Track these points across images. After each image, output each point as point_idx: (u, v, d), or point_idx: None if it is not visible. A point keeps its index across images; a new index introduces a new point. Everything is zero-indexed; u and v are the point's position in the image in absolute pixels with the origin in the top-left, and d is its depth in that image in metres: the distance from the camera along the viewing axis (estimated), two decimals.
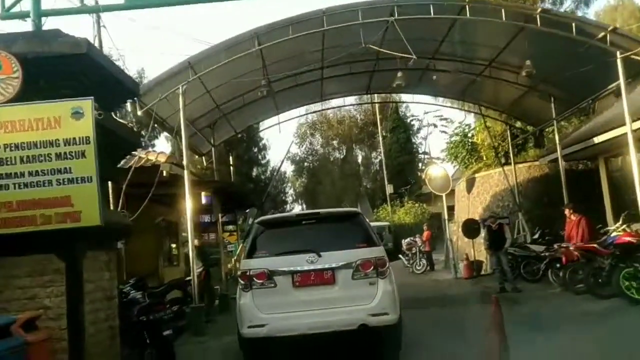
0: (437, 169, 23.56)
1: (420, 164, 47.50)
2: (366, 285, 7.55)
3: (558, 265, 13.97)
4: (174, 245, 19.04)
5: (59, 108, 6.82)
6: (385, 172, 41.01)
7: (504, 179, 21.25)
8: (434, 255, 25.30)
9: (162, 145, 38.14)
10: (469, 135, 24.88)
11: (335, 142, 52.92)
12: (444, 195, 23.44)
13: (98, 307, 7.35)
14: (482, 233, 20.80)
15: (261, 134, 46.54)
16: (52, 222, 6.67)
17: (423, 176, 27.57)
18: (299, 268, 7.61)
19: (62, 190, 6.72)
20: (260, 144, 47.84)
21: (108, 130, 7.42)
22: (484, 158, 23.03)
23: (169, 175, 12.98)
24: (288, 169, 54.36)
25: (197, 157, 20.15)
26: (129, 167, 12.42)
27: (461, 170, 26.66)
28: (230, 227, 21.11)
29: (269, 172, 49.28)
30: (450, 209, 44.16)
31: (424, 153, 48.36)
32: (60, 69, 6.90)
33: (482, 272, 20.80)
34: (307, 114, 19.90)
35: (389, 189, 39.36)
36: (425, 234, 24.90)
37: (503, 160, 20.93)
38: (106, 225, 6.93)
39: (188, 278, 12.39)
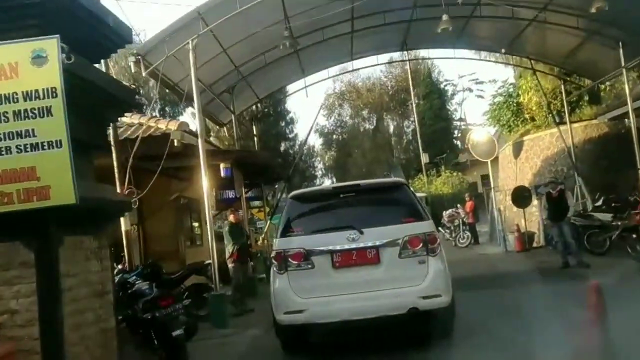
0: (481, 133, 21.58)
1: (455, 132, 45.20)
2: (415, 265, 6.95)
3: (635, 235, 12.03)
4: (196, 224, 17.56)
5: (14, 52, 5.17)
6: (419, 140, 38.80)
7: (556, 141, 19.18)
8: (477, 227, 23.40)
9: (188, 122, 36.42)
10: (514, 95, 22.66)
11: (365, 112, 50.83)
12: (489, 161, 21.50)
13: (83, 307, 5.80)
14: (534, 201, 18.97)
15: (288, 107, 45.07)
16: (14, 202, 5.08)
17: (465, 142, 25.40)
18: (338, 247, 7.01)
19: (23, 159, 5.11)
20: (288, 118, 46.13)
21: (88, 82, 5.76)
22: (533, 119, 20.85)
23: (182, 146, 11.37)
24: (316, 142, 52.68)
25: (218, 128, 18.53)
26: (135, 137, 10.86)
27: (505, 134, 24.50)
28: (257, 202, 19.52)
29: (297, 146, 47.67)
30: (485, 177, 42.70)
31: (460, 120, 46.07)
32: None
33: (534, 245, 18.90)
34: (336, 75, 17.75)
35: (424, 158, 37.26)
36: (468, 204, 22.97)
37: (557, 120, 18.73)
38: (90, 202, 5.36)
39: (208, 261, 10.81)
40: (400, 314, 6.86)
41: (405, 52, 17.69)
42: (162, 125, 11.38)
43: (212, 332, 10.04)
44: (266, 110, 43.66)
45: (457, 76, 56.43)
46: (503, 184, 23.23)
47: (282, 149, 45.14)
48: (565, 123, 18.30)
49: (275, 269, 7.27)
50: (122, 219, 10.73)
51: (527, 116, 21.74)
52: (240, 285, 11.90)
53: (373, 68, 61.60)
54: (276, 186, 23.79)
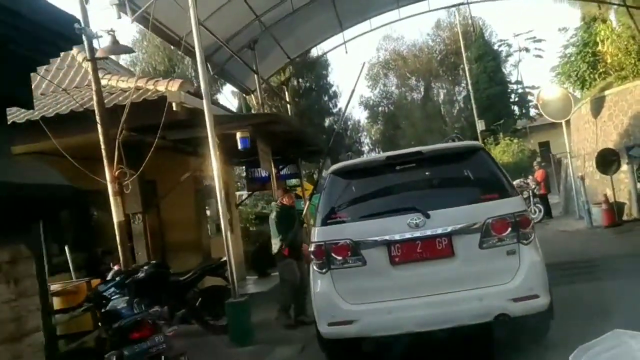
0: (553, 90, 18.35)
1: (512, 96, 41.46)
2: (502, 256, 5.42)
3: None
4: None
5: None
6: (474, 106, 35.47)
7: None
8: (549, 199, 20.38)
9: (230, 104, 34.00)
10: (590, 43, 19.28)
11: (412, 80, 47.64)
12: (563, 122, 18.33)
13: None
14: (624, 166, 15.84)
15: (330, 81, 42.52)
16: None
17: (534, 101, 22.20)
18: (397, 236, 5.53)
19: None
20: (331, 92, 43.49)
21: None
22: (621, 69, 17.45)
23: (188, 112, 8.94)
24: (362, 115, 49.97)
25: (247, 96, 16.04)
26: (126, 103, 8.48)
27: (579, 91, 21.15)
28: (294, 181, 16.99)
29: (342, 123, 45.22)
30: (543, 144, 39.24)
31: (517, 82, 42.18)
32: None
33: (625, 218, 15.80)
34: (379, 27, 14.89)
35: (480, 125, 33.98)
36: (539, 173, 19.94)
37: None
38: None
39: (224, 258, 8.41)
40: (485, 322, 5.34)
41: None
42: (162, 87, 8.93)
43: (231, 349, 7.68)
44: (307, 84, 41.54)
45: (512, 35, 51.76)
46: (578, 148, 19.98)
47: (326, 124, 42.72)
48: None
49: (315, 267, 5.80)
50: (114, 208, 8.45)
51: (609, 67, 18.34)
52: (297, 288, 8.83)
53: (419, 33, 58.44)
54: (321, 162, 21.16)
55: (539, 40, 40.55)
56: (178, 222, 12.31)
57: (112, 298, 5.90)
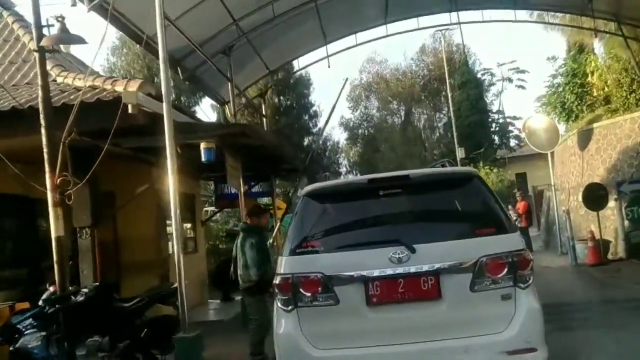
0: (540, 120, 17.71)
1: (493, 125, 41.21)
2: (496, 301, 4.64)
3: None
4: (188, 225, 14.17)
5: None
6: (455, 133, 35.02)
7: (639, 128, 15.31)
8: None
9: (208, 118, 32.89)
10: (579, 74, 18.78)
11: (394, 104, 47.24)
12: (549, 153, 17.69)
13: None
14: (611, 202, 15.22)
15: (312, 100, 41.85)
16: None
17: (521, 129, 21.65)
18: (376, 272, 4.68)
19: None
20: (312, 111, 42.77)
21: None
22: (607, 102, 16.95)
23: (147, 117, 7.95)
24: (341, 136, 49.38)
25: (222, 107, 15.06)
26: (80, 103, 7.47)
27: (565, 122, 20.63)
28: (265, 199, 16.00)
29: (321, 141, 44.47)
30: (519, 176, 38.92)
31: (498, 112, 41.99)
32: None
33: (610, 256, 15.12)
34: (365, 42, 14.09)
35: (460, 152, 33.43)
36: (521, 204, 19.23)
37: None
38: None
39: (175, 285, 7.37)
40: None
41: (452, 14, 13.89)
42: (120, 87, 7.94)
43: None
44: (288, 102, 40.83)
45: (496, 64, 51.79)
46: (562, 181, 19.39)
47: (305, 143, 41.97)
48: None
49: (279, 303, 4.90)
50: (52, 220, 7.40)
51: (597, 99, 17.83)
52: (262, 326, 7.37)
53: (403, 57, 58.30)
54: (298, 181, 20.17)
55: (522, 71, 40.70)
56: (136, 239, 11.26)
57: (26, 333, 4.82)
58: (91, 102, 7.73)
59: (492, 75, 42.08)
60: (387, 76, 47.12)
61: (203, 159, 8.16)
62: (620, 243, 15.03)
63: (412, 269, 4.58)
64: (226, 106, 14.07)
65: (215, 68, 11.15)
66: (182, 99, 36.61)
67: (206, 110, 33.15)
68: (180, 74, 11.37)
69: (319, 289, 4.70)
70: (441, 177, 5.34)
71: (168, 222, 13.06)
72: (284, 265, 4.94)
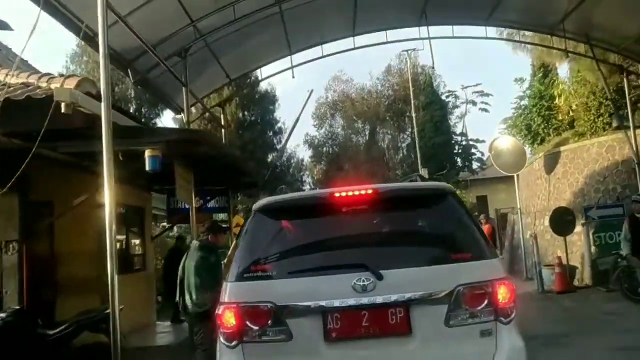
0: (507, 141, 17.33)
1: (457, 147, 41.15)
2: (474, 338, 3.94)
3: None
4: (136, 241, 13.18)
5: None
6: (418, 154, 34.77)
7: (607, 152, 15.08)
8: None
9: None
10: (546, 96, 18.57)
11: (358, 123, 46.96)
12: (515, 176, 17.31)
13: None
14: (577, 227, 14.87)
15: (277, 116, 41.20)
16: None
17: (487, 150, 21.33)
18: (337, 303, 3.93)
19: None
20: (276, 127, 42.06)
21: None
22: (572, 125, 16.73)
23: (86, 119, 7.06)
24: (306, 154, 48.82)
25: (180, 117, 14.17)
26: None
27: (530, 145, 20.40)
28: (221, 215, 15.12)
29: (284, 158, 43.78)
30: (480, 199, 38.93)
31: (462, 134, 41.93)
32: None
33: (576, 283, 14.73)
34: (332, 54, 13.46)
35: (424, 173, 33.13)
36: (486, 227, 18.74)
37: (613, 124, 14.53)
38: None
39: (107, 309, 6.47)
40: None
41: (423, 26, 13.40)
42: (56, 83, 7.05)
43: None
44: (253, 118, 40.11)
45: (460, 87, 52.08)
46: (527, 204, 19.05)
47: (269, 159, 41.24)
48: (625, 128, 14.02)
49: (222, 338, 4.13)
50: None
51: (562, 122, 17.61)
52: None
53: (369, 76, 58.30)
54: (261, 196, 19.21)
55: (486, 95, 40.78)
56: (75, 255, 10.21)
57: None
58: (19, 99, 6.82)
59: (457, 97, 42.16)
60: (353, 95, 46.84)
61: (147, 167, 7.30)
62: (587, 269, 14.66)
63: (379, 299, 3.91)
64: (182, 115, 13.19)
65: (170, 72, 10.31)
66: (142, 110, 35.46)
67: (168, 123, 31.99)
68: (130, 77, 10.50)
69: (269, 321, 3.98)
70: (412, 192, 4.63)
71: (117, 236, 12.15)
72: (228, 292, 4.16)
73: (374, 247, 4.30)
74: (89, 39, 8.13)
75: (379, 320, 3.93)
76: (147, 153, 7.23)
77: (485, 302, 3.97)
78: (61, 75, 7.28)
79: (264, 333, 3.97)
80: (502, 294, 4.00)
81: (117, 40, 9.45)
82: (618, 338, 8.38)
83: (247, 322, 3.98)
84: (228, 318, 4.03)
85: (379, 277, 3.89)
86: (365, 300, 3.88)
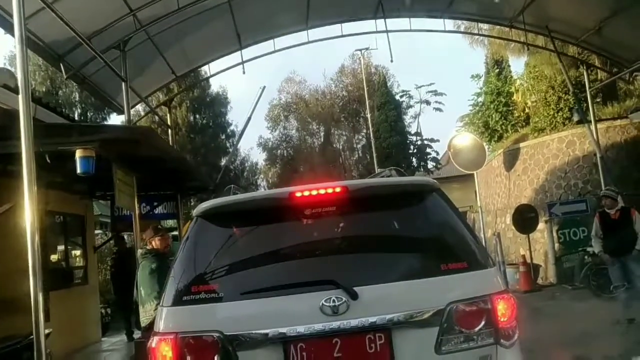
0: (466, 139, 16.93)
1: (412, 147, 40.99)
2: None
3: None
4: (77, 252, 12.13)
5: None
6: (374, 154, 34.41)
7: (567, 147, 14.85)
8: None
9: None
10: (503, 92, 18.30)
11: (313, 125, 46.34)
12: (475, 173, 16.93)
13: None
14: (540, 224, 14.58)
15: (230, 119, 40.32)
16: None
17: (445, 149, 20.96)
18: (301, 329, 3.14)
19: None
20: (229, 130, 41.09)
21: None
22: (527, 122, 16.49)
23: (7, 117, 6.15)
24: (260, 157, 47.93)
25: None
26: None
27: (488, 142, 20.13)
28: (170, 222, 14.17)
29: (238, 161, 42.80)
30: None
31: (417, 134, 41.79)
32: None
33: (540, 281, 14.44)
34: (283, 49, 12.71)
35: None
36: None
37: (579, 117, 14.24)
38: None
39: (31, 335, 5.55)
40: None
41: (380, 19, 12.80)
42: None
43: None
44: (205, 121, 39.06)
45: (414, 87, 52.03)
46: (487, 202, 18.76)
47: (222, 163, 40.17)
48: (586, 122, 13.73)
49: None
50: None
51: (520, 118, 17.36)
52: None
53: (322, 76, 57.73)
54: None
55: (440, 94, 40.79)
56: (5, 271, 9.14)
57: None
58: None
59: (411, 97, 42.03)
60: (306, 96, 46.21)
61: (79, 170, 6.42)
62: (551, 267, 14.37)
63: (354, 323, 3.17)
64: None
65: (107, 65, 9.36)
66: (88, 114, 33.90)
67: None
68: (63, 72, 9.53)
69: (216, 356, 3.18)
70: (390, 190, 3.81)
71: (53, 247, 11.10)
72: (164, 319, 3.33)
73: (345, 258, 3.52)
74: (9, 27, 7.15)
75: (355, 349, 3.19)
76: (78, 154, 6.35)
77: (483, 321, 3.27)
78: (43, 100, 6.33)
79: None
80: (503, 310, 3.32)
81: (46, 30, 8.53)
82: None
83: (188, 358, 3.19)
84: (164, 352, 3.20)
85: (353, 296, 3.16)
86: (336, 324, 3.15)
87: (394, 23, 13.42)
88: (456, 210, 3.77)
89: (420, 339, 3.23)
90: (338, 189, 3.52)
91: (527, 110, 17.54)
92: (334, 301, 3.15)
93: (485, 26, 14.98)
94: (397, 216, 3.67)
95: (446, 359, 3.22)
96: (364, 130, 43.10)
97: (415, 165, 42.02)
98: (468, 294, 3.32)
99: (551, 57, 14.38)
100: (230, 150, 40.06)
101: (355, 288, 3.17)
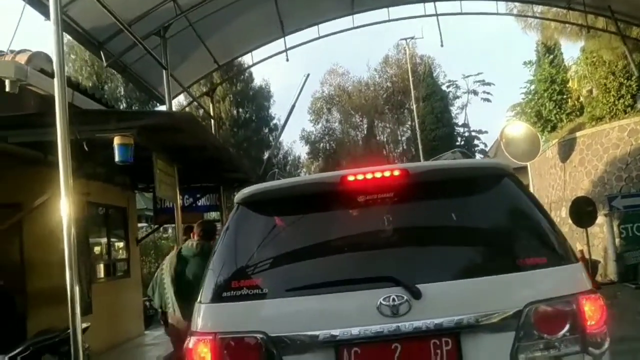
0: (519, 128, 16.18)
1: (459, 139, 40.00)
2: None
3: None
4: (120, 244, 12.02)
5: None
6: (420, 147, 33.65)
7: (630, 136, 13.93)
8: None
9: None
10: (558, 80, 17.42)
11: (356, 117, 45.79)
12: (529, 165, 16.19)
13: None
14: (601, 218, 13.76)
15: (272, 113, 40.21)
16: None
17: (493, 141, 20.19)
18: (356, 331, 2.72)
19: None
20: (272, 124, 41.03)
21: None
22: (581, 110, 15.62)
23: (41, 102, 5.93)
24: (302, 150, 47.74)
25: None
26: None
27: (539, 132, 19.24)
28: (213, 214, 13.94)
29: (280, 154, 42.72)
30: None
31: (464, 125, 40.81)
32: None
33: (599, 279, 13.61)
34: (328, 35, 12.20)
35: None
36: None
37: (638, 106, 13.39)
38: None
39: (68, 329, 5.32)
40: None
41: (429, 2, 12.21)
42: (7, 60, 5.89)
43: None
44: (248, 115, 39.09)
45: (461, 76, 50.83)
46: (540, 195, 17.90)
47: (265, 157, 40.17)
48: None
49: None
50: None
51: (576, 107, 16.48)
52: None
53: (366, 67, 56.98)
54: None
55: (488, 84, 39.71)
56: (45, 263, 9.04)
57: None
58: None
59: (458, 87, 41.02)
60: (349, 88, 45.69)
61: (117, 159, 6.14)
62: (611, 264, 13.55)
63: (416, 325, 2.74)
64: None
65: (148, 52, 9.14)
66: (133, 107, 34.27)
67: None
68: (103, 59, 9.35)
69: (260, 359, 2.80)
70: (456, 174, 3.31)
71: (95, 240, 11.01)
72: (202, 318, 2.98)
73: (406, 252, 3.07)
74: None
75: (417, 355, 2.78)
76: (116, 141, 6.06)
77: (568, 325, 2.81)
78: (12, 51, 6.12)
79: None
80: (590, 313, 2.84)
81: (86, 16, 8.33)
82: None
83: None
84: (202, 354, 2.86)
85: (416, 295, 2.74)
86: (396, 327, 2.73)
87: (443, 6, 12.84)
88: (533, 198, 3.30)
89: (494, 344, 2.79)
90: (397, 172, 3.08)
91: (581, 99, 16.64)
92: (393, 300, 2.74)
93: (539, 9, 14.21)
94: (464, 204, 3.19)
95: None
96: (409, 122, 42.36)
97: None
98: (549, 293, 2.86)
99: (611, 40, 13.50)
100: (273, 143, 39.98)
101: (417, 286, 2.75)
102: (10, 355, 5.51)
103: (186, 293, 5.76)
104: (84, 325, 5.54)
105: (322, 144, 47.38)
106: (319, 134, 47.22)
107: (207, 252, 5.77)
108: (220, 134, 28.21)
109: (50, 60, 6.00)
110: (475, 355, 2.76)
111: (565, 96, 17.49)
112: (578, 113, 17.46)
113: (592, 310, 2.87)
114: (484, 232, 3.14)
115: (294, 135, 58.90)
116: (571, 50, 17.45)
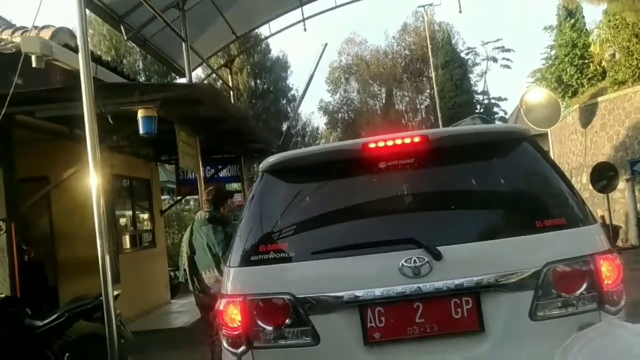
0: (539, 94, 16.01)
1: (478, 106, 39.64)
2: (571, 334, 2.23)
3: None
4: (144, 216, 12.29)
5: None
6: (439, 115, 33.45)
7: None
8: None
9: None
10: (579, 44, 17.15)
11: (374, 86, 45.49)
12: (549, 131, 16.07)
13: None
14: (622, 183, 13.72)
15: (290, 84, 40.09)
16: None
17: (513, 108, 20.04)
18: (379, 292, 2.86)
19: None
20: (289, 95, 40.99)
21: None
22: (603, 74, 15.39)
23: (66, 77, 6.05)
24: (320, 121, 47.75)
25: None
26: None
27: (560, 98, 19.02)
28: (235, 185, 14.13)
29: (299, 125, 42.73)
30: None
31: (483, 93, 40.45)
32: None
33: (620, 244, 13.62)
34: (345, 4, 12.08)
35: None
36: None
37: None
38: None
39: (100, 296, 5.54)
40: None
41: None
42: (32, 36, 6.00)
43: None
44: (265, 86, 39.08)
45: (480, 43, 50.01)
46: (560, 161, 17.82)
47: (283, 128, 40.22)
48: None
49: (224, 343, 3.09)
50: None
51: (598, 71, 16.24)
52: None
53: (384, 36, 56.27)
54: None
55: (507, 50, 39.23)
56: (73, 234, 9.32)
57: None
58: None
59: (477, 54, 40.53)
60: (367, 57, 45.32)
61: (141, 131, 6.29)
62: (632, 229, 13.54)
63: (437, 286, 2.85)
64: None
65: (167, 24, 9.21)
66: (152, 80, 34.44)
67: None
68: (123, 33, 9.46)
69: (287, 319, 2.97)
70: (475, 139, 3.39)
71: (120, 211, 11.26)
72: (232, 280, 3.13)
73: (426, 215, 3.18)
74: None
75: (439, 314, 2.89)
76: (140, 114, 6.20)
77: (585, 284, 2.91)
78: (36, 27, 6.24)
79: (280, 335, 3.00)
80: (607, 272, 2.92)
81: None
82: None
83: (258, 321, 2.99)
84: (232, 315, 3.02)
85: (436, 256, 2.85)
86: (417, 287, 2.85)
87: None
88: (551, 161, 3.37)
89: (513, 303, 2.89)
90: (417, 139, 3.16)
91: (603, 64, 16.39)
92: (415, 262, 2.85)
93: None
94: (484, 168, 3.26)
95: (542, 326, 2.88)
96: (428, 90, 42.11)
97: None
98: (567, 253, 2.95)
99: (635, 1, 13.23)
100: (291, 114, 39.97)
101: (438, 247, 2.85)
102: (47, 321, 5.76)
103: (197, 264, 5.81)
104: (115, 292, 5.75)
105: (340, 114, 47.30)
106: (337, 104, 47.12)
107: (216, 222, 5.80)
108: (239, 105, 28.27)
109: (73, 36, 6.10)
110: (495, 313, 2.87)
111: (586, 61, 17.22)
112: (600, 78, 17.21)
113: (609, 270, 2.95)
114: (503, 195, 3.22)
115: (312, 106, 58.65)
116: (593, 13, 17.12)
